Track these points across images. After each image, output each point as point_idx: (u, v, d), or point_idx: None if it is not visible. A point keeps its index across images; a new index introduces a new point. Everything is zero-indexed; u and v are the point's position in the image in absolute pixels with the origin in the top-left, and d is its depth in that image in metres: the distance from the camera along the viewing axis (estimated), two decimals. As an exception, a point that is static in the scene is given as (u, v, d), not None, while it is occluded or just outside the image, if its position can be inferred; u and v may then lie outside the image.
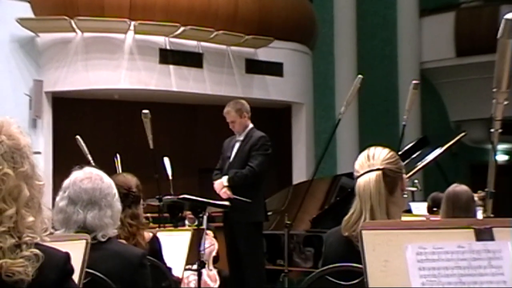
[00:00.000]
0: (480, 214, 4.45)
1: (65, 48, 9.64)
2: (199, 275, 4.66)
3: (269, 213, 6.32)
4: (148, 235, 3.35)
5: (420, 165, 6.85)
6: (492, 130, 2.17)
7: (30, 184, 1.65)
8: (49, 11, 9.52)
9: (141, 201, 3.39)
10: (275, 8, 11.08)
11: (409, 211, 6.44)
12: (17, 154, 1.65)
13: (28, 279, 1.58)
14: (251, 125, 6.17)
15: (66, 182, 2.63)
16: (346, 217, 2.54)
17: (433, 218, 5.07)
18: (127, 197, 3.19)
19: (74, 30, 9.56)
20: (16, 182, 1.62)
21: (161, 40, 10.05)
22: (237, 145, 6.11)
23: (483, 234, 1.79)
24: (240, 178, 5.94)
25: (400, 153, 5.56)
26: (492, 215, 2.28)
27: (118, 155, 6.88)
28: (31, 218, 1.63)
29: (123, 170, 6.13)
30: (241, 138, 6.11)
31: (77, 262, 1.89)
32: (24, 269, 1.57)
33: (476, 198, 4.93)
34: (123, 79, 9.86)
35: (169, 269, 3.43)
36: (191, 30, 9.97)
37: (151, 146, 6.03)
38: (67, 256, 1.68)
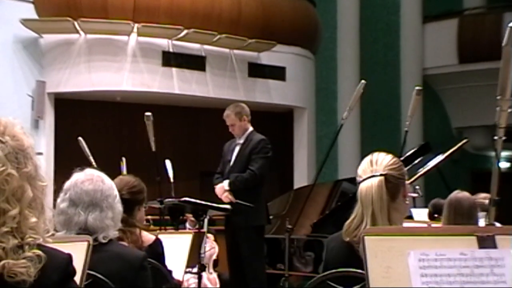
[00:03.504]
0: (482, 221, 4.45)
1: (68, 49, 9.65)
2: (199, 278, 4.65)
3: (270, 217, 6.32)
4: (150, 238, 3.33)
5: (422, 171, 6.85)
6: (496, 137, 2.16)
7: (33, 185, 1.65)
8: (52, 12, 9.53)
9: (142, 204, 3.37)
10: (279, 12, 11.09)
11: (410, 217, 6.44)
12: (20, 155, 1.65)
13: (30, 280, 1.58)
14: (251, 128, 6.17)
15: (67, 184, 2.63)
16: (347, 222, 2.54)
17: (434, 224, 5.06)
18: None
19: (77, 32, 9.56)
20: (20, 182, 1.62)
21: (164, 43, 10.06)
22: (237, 149, 6.11)
23: (486, 242, 1.79)
24: (241, 182, 5.93)
25: (401, 159, 5.56)
26: (495, 223, 2.28)
27: (124, 159, 6.89)
28: (34, 219, 1.63)
29: (127, 173, 6.13)
30: (241, 141, 6.11)
31: (78, 263, 1.89)
32: (27, 270, 1.57)
33: (481, 200, 4.92)
34: (125, 81, 9.87)
35: (170, 272, 3.43)
36: (194, 33, 9.98)
37: (153, 149, 6.03)
38: (69, 258, 1.68)
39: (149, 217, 7.29)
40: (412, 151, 6.94)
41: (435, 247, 1.79)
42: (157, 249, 3.30)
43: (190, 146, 11.17)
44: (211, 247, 6.92)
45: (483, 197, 5.43)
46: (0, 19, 9.16)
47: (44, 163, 8.98)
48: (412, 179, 6.50)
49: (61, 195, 2.62)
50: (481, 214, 5.25)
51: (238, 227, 5.94)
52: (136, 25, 9.69)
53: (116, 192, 2.69)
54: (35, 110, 9.42)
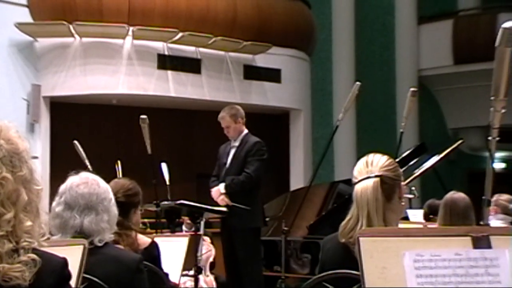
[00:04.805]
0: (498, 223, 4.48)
1: (63, 53, 9.65)
2: (196, 281, 4.65)
3: (267, 219, 6.32)
4: (146, 240, 3.33)
5: (418, 172, 6.85)
6: (489, 138, 2.17)
7: (28, 189, 1.65)
8: (47, 15, 9.53)
9: (138, 207, 3.37)
10: (274, 14, 11.10)
11: (406, 218, 6.44)
12: (15, 158, 1.65)
13: (25, 284, 1.57)
14: (246, 131, 6.16)
15: (62, 187, 2.63)
16: (343, 223, 2.54)
17: (430, 225, 5.07)
18: None
19: (72, 35, 9.56)
20: (15, 186, 1.62)
21: (160, 46, 10.06)
22: (232, 151, 6.11)
23: (481, 242, 1.79)
24: (237, 184, 5.93)
25: (397, 160, 5.57)
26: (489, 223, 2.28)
27: (119, 162, 6.89)
28: (29, 223, 1.62)
29: (122, 176, 6.12)
30: (237, 144, 6.10)
31: (74, 267, 1.89)
32: (22, 274, 1.56)
33: (504, 202, 4.94)
34: (121, 84, 9.87)
35: (166, 274, 3.43)
36: (189, 36, 9.98)
37: (149, 151, 6.03)
38: (64, 261, 1.68)
39: (145, 220, 7.30)
40: (408, 152, 6.94)
41: (430, 248, 1.79)
42: (153, 252, 3.30)
43: (186, 149, 11.17)
44: (207, 250, 6.92)
45: (505, 199, 5.41)
46: (-5, 23, 9.17)
47: (40, 166, 8.97)
48: (408, 180, 6.51)
49: (57, 198, 2.62)
50: (501, 216, 5.26)
51: (234, 230, 5.93)
52: (131, 28, 9.70)
53: (111, 195, 2.69)
54: (31, 114, 9.41)
